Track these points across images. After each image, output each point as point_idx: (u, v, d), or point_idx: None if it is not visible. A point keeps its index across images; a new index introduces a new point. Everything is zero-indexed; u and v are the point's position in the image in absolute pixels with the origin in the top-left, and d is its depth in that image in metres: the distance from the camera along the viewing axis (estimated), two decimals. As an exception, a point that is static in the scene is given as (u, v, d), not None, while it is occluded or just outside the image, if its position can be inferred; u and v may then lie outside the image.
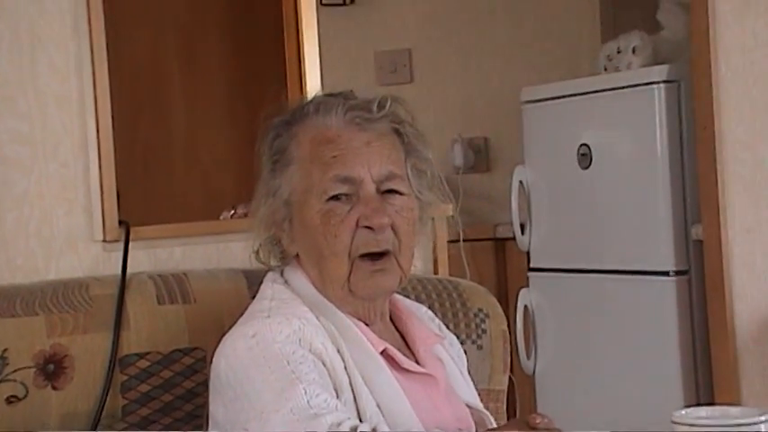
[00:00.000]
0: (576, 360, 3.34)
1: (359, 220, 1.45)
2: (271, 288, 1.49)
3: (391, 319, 1.57)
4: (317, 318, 1.44)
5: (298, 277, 1.50)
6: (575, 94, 3.31)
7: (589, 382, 3.27)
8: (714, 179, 2.82)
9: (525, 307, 3.48)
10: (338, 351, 1.42)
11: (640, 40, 3.22)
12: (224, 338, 1.43)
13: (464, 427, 1.49)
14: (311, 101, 1.53)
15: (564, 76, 3.69)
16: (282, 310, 1.43)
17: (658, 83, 3.05)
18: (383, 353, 1.46)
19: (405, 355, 1.50)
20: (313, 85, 2.28)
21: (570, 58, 3.93)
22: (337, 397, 1.36)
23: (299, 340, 1.38)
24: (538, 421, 1.39)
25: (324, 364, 1.39)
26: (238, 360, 1.38)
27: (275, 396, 1.32)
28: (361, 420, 1.36)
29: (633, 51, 3.22)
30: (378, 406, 1.41)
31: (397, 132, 1.51)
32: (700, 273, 2.98)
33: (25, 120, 1.82)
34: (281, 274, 1.52)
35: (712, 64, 2.79)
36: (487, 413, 1.62)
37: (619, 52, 3.27)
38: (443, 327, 1.68)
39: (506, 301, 3.54)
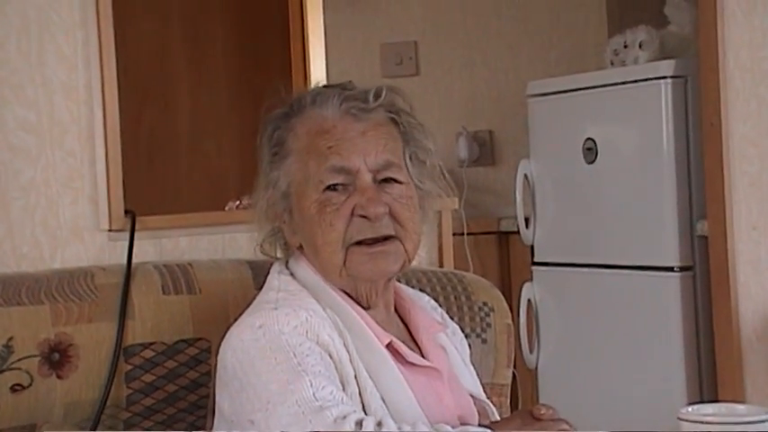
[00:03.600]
0: (579, 355, 3.33)
1: (354, 209, 1.45)
2: (278, 279, 1.49)
3: (396, 309, 1.56)
4: (324, 309, 1.44)
5: (302, 268, 1.50)
6: (581, 89, 3.30)
7: (592, 377, 3.27)
8: (720, 175, 2.82)
9: (528, 301, 3.48)
10: (344, 344, 1.42)
11: (647, 34, 3.21)
12: (230, 329, 1.43)
13: (467, 418, 1.48)
14: (308, 92, 1.53)
15: (570, 70, 3.68)
16: (290, 301, 1.43)
17: (665, 78, 3.04)
18: (388, 346, 1.46)
19: (409, 346, 1.50)
20: (318, 77, 2.27)
21: (577, 52, 3.92)
22: (343, 390, 1.36)
23: (306, 332, 1.38)
24: (542, 412, 1.39)
25: (330, 357, 1.39)
26: (245, 351, 1.38)
27: (281, 388, 1.32)
28: (365, 413, 1.36)
29: (640, 46, 3.21)
30: (382, 399, 1.41)
31: (395, 122, 1.51)
32: (704, 269, 2.98)
33: (32, 108, 1.82)
34: (287, 266, 1.52)
35: (720, 59, 2.78)
36: (489, 403, 1.62)
37: (625, 47, 3.26)
38: (446, 316, 1.68)
39: (509, 294, 3.54)
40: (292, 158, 1.49)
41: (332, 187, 1.46)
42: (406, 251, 1.47)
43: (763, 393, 2.78)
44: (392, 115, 1.51)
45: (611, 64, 3.33)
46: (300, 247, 1.51)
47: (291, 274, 1.50)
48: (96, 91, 1.87)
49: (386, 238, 1.46)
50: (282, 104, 1.54)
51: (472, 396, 1.57)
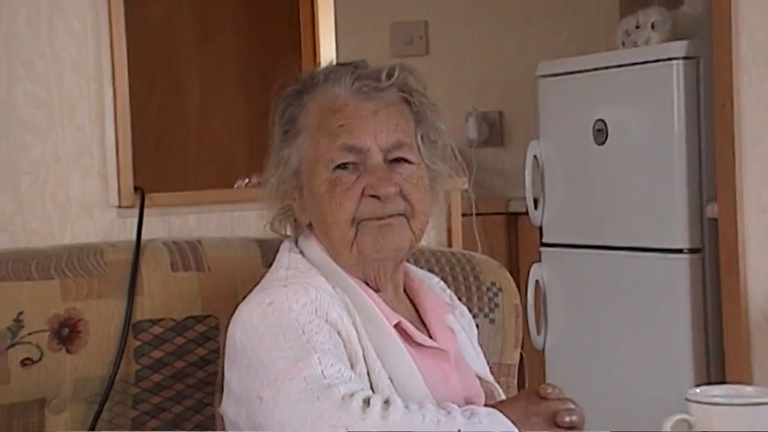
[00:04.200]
0: (587, 336, 3.34)
1: (365, 189, 1.45)
2: (287, 257, 1.49)
3: (405, 290, 1.56)
4: (333, 288, 1.44)
5: (312, 246, 1.50)
6: (592, 70, 3.29)
7: (599, 358, 3.27)
8: (731, 158, 2.81)
9: (536, 282, 3.48)
10: (353, 323, 1.42)
11: (659, 15, 3.19)
12: (240, 306, 1.43)
13: (474, 399, 1.49)
14: (321, 70, 1.53)
15: (581, 50, 3.67)
16: (299, 279, 1.43)
17: (677, 59, 3.03)
18: (396, 326, 1.46)
19: (417, 326, 1.50)
20: (327, 56, 2.27)
21: (588, 32, 3.90)
22: (351, 368, 1.36)
23: (316, 310, 1.39)
24: (549, 391, 1.39)
25: (339, 335, 1.39)
26: (254, 328, 1.38)
27: (289, 365, 1.32)
28: (373, 392, 1.36)
29: (652, 27, 3.20)
30: (390, 379, 1.41)
31: (407, 101, 1.51)
32: (713, 251, 2.97)
33: (42, 84, 1.82)
34: (296, 244, 1.52)
35: (733, 41, 2.77)
36: (496, 385, 1.62)
37: (637, 27, 3.25)
38: (455, 297, 1.68)
39: (517, 276, 3.54)
40: (304, 136, 1.49)
41: (342, 166, 1.46)
42: (412, 230, 1.47)
43: (770, 376, 2.78)
44: (404, 95, 1.50)
45: (623, 45, 3.32)
46: (310, 225, 1.51)
47: (301, 253, 1.50)
48: (106, 68, 1.86)
49: (393, 216, 1.45)
50: (295, 82, 1.53)
51: (479, 378, 1.57)
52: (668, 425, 1.19)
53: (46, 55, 1.82)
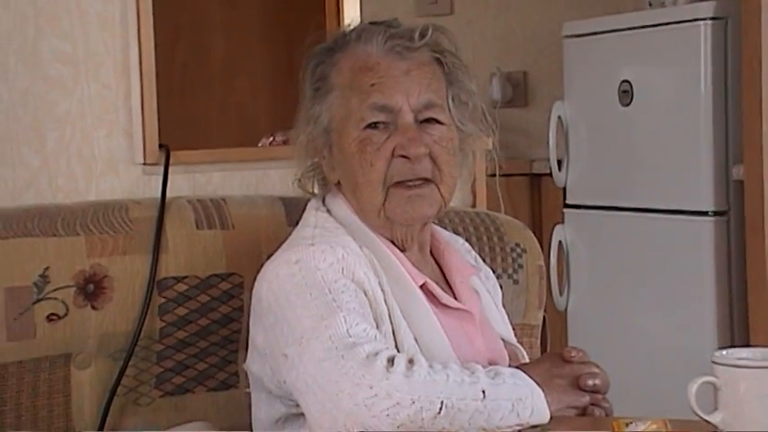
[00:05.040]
0: (609, 298, 3.33)
1: (395, 149, 1.44)
2: (314, 216, 1.49)
3: (431, 252, 1.56)
4: (360, 248, 1.44)
5: (339, 205, 1.50)
6: (618, 30, 3.26)
7: (621, 320, 3.27)
8: (758, 119, 2.78)
9: (559, 243, 3.47)
10: (379, 282, 1.42)
11: (688, -25, 3.16)
12: (266, 264, 1.43)
13: (498, 361, 1.49)
14: (354, 28, 1.52)
15: (607, 10, 3.63)
16: (326, 238, 1.43)
17: (705, 19, 2.99)
18: (422, 287, 1.46)
19: (442, 288, 1.50)
20: (351, 15, 2.25)
21: (614, -8, 3.86)
22: (377, 328, 1.37)
23: (342, 269, 1.39)
24: (573, 354, 1.40)
25: (365, 294, 1.39)
26: (280, 286, 1.38)
27: (315, 323, 1.32)
28: (398, 352, 1.36)
29: (680, -13, 3.16)
30: (415, 339, 1.42)
31: (439, 62, 1.50)
32: (739, 213, 2.96)
33: (68, 39, 1.82)
34: (323, 202, 1.52)
35: (762, 0, 2.73)
36: (520, 347, 1.62)
37: (665, -13, 3.22)
38: (479, 259, 1.68)
39: (540, 237, 3.51)
40: (335, 94, 1.48)
41: (373, 125, 1.45)
42: (441, 195, 1.47)
43: (794, 339, 2.77)
44: (437, 55, 1.49)
45: (650, 5, 3.29)
46: (338, 184, 1.51)
47: (328, 211, 1.50)
48: (132, 24, 1.86)
49: (423, 182, 1.45)
50: (325, 40, 1.52)
51: (503, 340, 1.57)
52: (694, 387, 1.19)
53: (72, 10, 1.81)
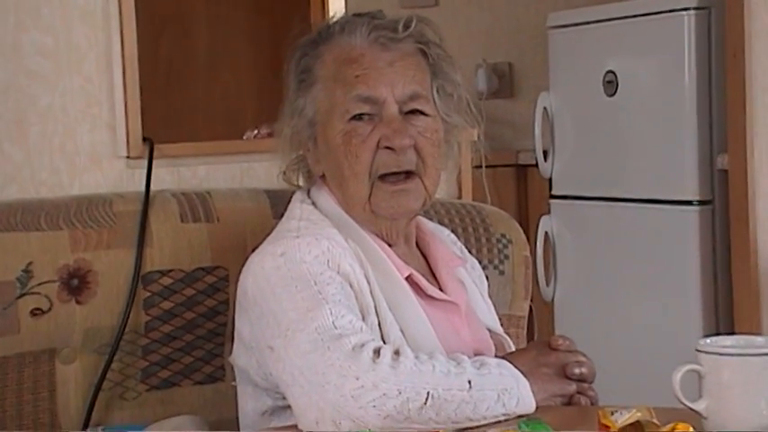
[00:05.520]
0: (596, 288, 3.34)
1: (380, 141, 1.44)
2: (299, 208, 1.49)
3: (416, 243, 1.56)
4: (346, 240, 1.44)
5: (324, 197, 1.50)
6: (602, 20, 3.26)
7: (608, 310, 3.28)
8: (742, 108, 2.79)
9: (546, 234, 3.48)
10: (365, 275, 1.42)
11: (671, -35, 3.16)
12: (252, 256, 1.43)
13: (484, 351, 1.49)
14: (338, 20, 1.51)
15: (591, 1, 3.63)
16: (312, 230, 1.43)
17: (688, 9, 3.00)
18: (408, 279, 1.46)
19: (428, 280, 1.50)
20: (336, 7, 2.25)
21: (599, -18, 3.86)
22: (363, 320, 1.36)
23: (328, 261, 1.38)
24: (559, 342, 1.40)
25: (351, 287, 1.39)
26: (266, 278, 1.38)
27: (301, 315, 1.32)
28: (384, 344, 1.36)
29: (664, -24, 3.16)
30: (401, 331, 1.42)
31: (423, 53, 1.49)
32: (723, 203, 2.97)
33: (49, 32, 1.81)
34: (308, 195, 1.52)
35: (745, -10, 2.74)
36: (507, 337, 1.63)
37: (649, -23, 3.22)
38: (465, 250, 1.68)
39: (527, 227, 3.53)
40: (319, 86, 1.48)
41: (358, 117, 1.45)
42: (426, 189, 1.47)
43: (779, 327, 2.79)
44: (421, 46, 1.49)
45: (634, -5, 3.29)
46: (323, 176, 1.51)
47: (313, 204, 1.50)
48: (114, 17, 1.85)
49: (407, 176, 1.45)
50: (309, 32, 1.52)
51: (490, 330, 1.57)
52: (678, 375, 1.19)
53: (53, 3, 1.80)
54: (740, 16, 2.76)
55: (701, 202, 3.01)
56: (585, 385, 1.39)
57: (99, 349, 1.62)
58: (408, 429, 1.26)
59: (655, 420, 1.14)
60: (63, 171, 1.82)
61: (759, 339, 1.25)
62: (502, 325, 1.66)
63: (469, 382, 1.28)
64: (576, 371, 1.38)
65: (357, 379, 1.25)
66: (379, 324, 1.41)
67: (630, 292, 3.20)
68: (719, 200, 2.99)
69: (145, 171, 1.77)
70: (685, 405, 1.20)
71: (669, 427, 1.11)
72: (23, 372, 1.57)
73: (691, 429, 1.10)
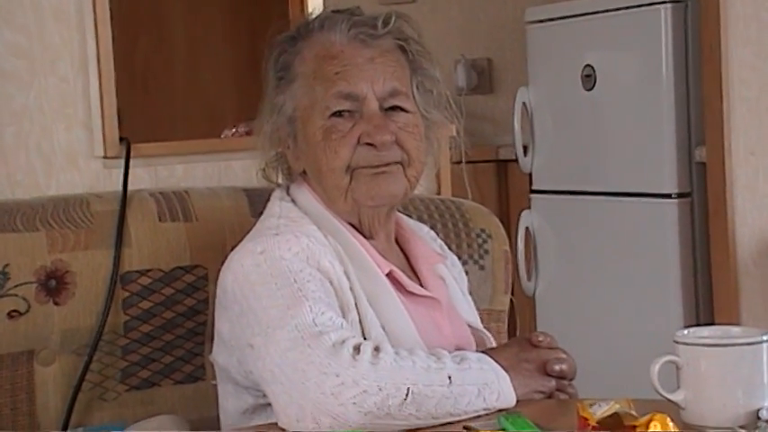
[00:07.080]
0: (577, 282, 3.35)
1: (361, 137, 1.44)
2: (279, 206, 1.48)
3: (396, 240, 1.56)
4: (326, 237, 1.44)
5: (304, 194, 1.49)
6: (580, 15, 3.27)
7: (589, 303, 3.29)
8: (719, 101, 2.80)
9: (526, 229, 3.49)
10: (345, 271, 1.42)
11: (648, -41, 3.17)
12: (231, 254, 1.42)
13: (465, 347, 1.49)
14: (317, 17, 1.51)
15: (569, -5, 3.64)
16: (291, 227, 1.42)
17: (665, 3, 3.01)
18: (388, 275, 1.46)
19: (408, 276, 1.50)
20: (314, 3, 2.25)
21: (576, -23, 3.87)
22: (343, 316, 1.36)
23: (307, 258, 1.38)
24: (540, 339, 1.40)
25: (331, 283, 1.39)
26: (245, 276, 1.37)
27: (281, 312, 1.31)
28: (365, 341, 1.36)
29: (640, -29, 3.17)
30: (382, 327, 1.42)
31: (403, 49, 1.49)
32: (702, 195, 2.98)
33: (23, 32, 1.80)
34: (288, 192, 1.51)
35: (720, -17, 2.75)
36: (488, 333, 1.63)
37: (625, -29, 3.22)
38: (445, 246, 1.68)
39: (507, 222, 3.54)
40: (298, 83, 1.48)
41: (338, 114, 1.44)
42: (408, 178, 1.47)
43: (758, 318, 2.80)
44: (400, 42, 1.49)
45: (611, -11, 3.29)
46: (303, 173, 1.51)
47: (293, 201, 1.49)
48: (88, 16, 1.84)
49: (389, 164, 1.45)
50: (288, 29, 1.52)
51: (470, 326, 1.57)
52: (656, 367, 1.20)
53: (25, 3, 1.79)
54: (716, 9, 2.78)
55: (679, 195, 3.02)
56: (565, 382, 1.39)
57: (78, 350, 1.61)
58: (389, 426, 1.26)
59: (633, 412, 1.14)
60: (39, 171, 1.81)
61: (735, 330, 1.26)
62: (482, 320, 1.66)
63: (450, 377, 1.28)
64: (557, 367, 1.38)
65: (337, 376, 1.25)
66: (360, 321, 1.40)
67: (611, 285, 3.21)
68: (698, 192, 3.01)
69: (122, 171, 1.76)
70: (663, 396, 1.20)
71: (646, 418, 1.11)
72: (1, 374, 1.56)
73: (668, 420, 1.10)
